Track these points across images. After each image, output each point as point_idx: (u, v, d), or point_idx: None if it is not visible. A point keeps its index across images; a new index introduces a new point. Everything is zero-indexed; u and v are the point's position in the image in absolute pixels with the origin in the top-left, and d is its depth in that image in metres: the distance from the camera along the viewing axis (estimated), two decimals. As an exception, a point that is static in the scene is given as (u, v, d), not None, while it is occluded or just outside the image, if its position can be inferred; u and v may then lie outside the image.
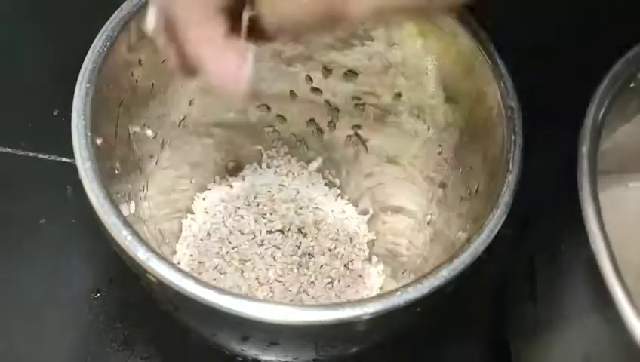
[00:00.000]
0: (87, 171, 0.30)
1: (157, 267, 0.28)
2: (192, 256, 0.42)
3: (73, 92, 0.32)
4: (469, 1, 0.28)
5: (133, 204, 0.37)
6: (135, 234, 0.29)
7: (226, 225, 0.43)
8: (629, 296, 0.26)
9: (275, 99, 0.44)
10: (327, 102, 0.44)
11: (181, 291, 0.28)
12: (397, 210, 0.43)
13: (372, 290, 0.43)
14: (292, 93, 0.44)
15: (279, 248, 0.43)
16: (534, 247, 0.36)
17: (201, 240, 0.43)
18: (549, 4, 0.49)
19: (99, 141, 0.32)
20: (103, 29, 0.34)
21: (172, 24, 0.25)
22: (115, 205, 0.30)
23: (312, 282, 0.42)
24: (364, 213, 0.45)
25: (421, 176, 0.42)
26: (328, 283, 0.42)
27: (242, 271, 0.42)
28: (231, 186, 0.45)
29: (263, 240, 0.43)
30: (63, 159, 0.47)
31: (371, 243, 0.45)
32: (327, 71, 0.42)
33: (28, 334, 0.41)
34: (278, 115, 0.45)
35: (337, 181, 0.46)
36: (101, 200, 0.30)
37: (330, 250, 0.43)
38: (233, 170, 0.46)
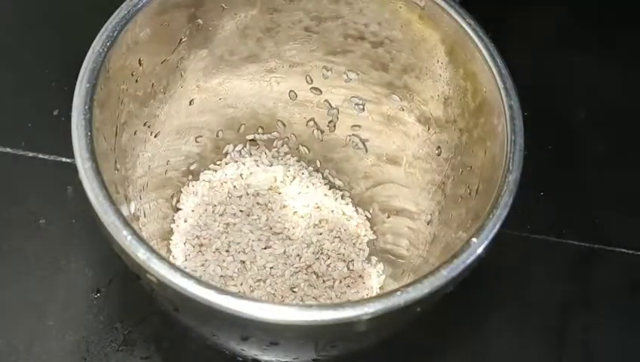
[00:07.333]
0: (87, 171, 0.30)
1: (157, 267, 0.28)
2: (191, 255, 0.42)
3: (73, 92, 0.32)
4: None
5: (133, 204, 0.37)
6: (135, 234, 0.29)
7: (225, 225, 0.43)
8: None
9: (275, 100, 0.44)
10: (327, 102, 0.44)
11: (181, 291, 0.28)
12: (397, 210, 0.43)
13: (372, 290, 0.43)
14: (292, 93, 0.44)
15: (279, 248, 0.43)
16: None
17: (201, 239, 0.43)
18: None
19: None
20: (103, 29, 0.34)
21: None
22: (115, 205, 0.30)
23: (312, 282, 0.42)
24: (364, 213, 0.45)
25: (421, 176, 0.42)
26: (328, 283, 0.42)
27: (242, 271, 0.42)
28: (231, 186, 0.45)
29: (263, 241, 0.43)
30: (63, 159, 0.47)
31: (371, 243, 0.45)
32: (327, 71, 0.42)
33: (28, 334, 0.41)
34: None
35: (337, 181, 0.46)
36: (101, 200, 0.30)
37: (330, 250, 0.43)
38: (232, 169, 0.46)
